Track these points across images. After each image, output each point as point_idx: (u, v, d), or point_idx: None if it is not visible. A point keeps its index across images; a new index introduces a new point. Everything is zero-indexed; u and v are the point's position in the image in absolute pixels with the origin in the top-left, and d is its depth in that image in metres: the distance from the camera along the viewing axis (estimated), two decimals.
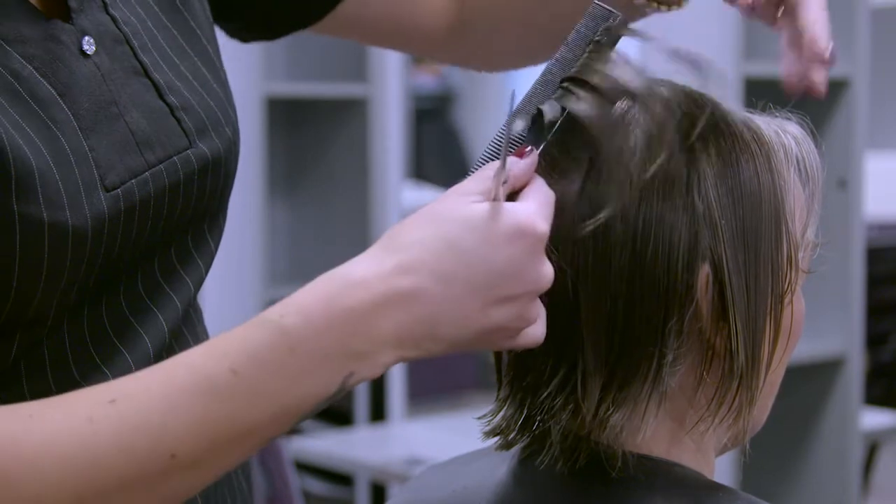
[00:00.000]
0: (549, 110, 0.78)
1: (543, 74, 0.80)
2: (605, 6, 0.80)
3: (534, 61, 1.07)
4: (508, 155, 0.76)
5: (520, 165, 0.76)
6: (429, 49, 1.14)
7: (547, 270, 0.73)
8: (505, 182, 0.74)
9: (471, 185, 0.74)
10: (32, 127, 0.78)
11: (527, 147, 0.77)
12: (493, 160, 0.77)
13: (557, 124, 0.78)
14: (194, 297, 0.91)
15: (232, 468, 0.74)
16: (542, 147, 0.78)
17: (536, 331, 0.74)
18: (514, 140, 0.78)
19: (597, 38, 0.80)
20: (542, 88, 0.80)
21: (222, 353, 0.72)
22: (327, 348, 0.71)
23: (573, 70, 0.80)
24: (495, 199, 0.73)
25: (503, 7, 1.07)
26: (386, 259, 0.72)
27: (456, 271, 0.72)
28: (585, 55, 0.80)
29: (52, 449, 0.69)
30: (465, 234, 0.72)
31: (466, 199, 0.73)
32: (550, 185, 0.78)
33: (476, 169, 0.77)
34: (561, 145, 0.80)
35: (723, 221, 0.78)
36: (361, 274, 0.72)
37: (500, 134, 0.78)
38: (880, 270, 3.65)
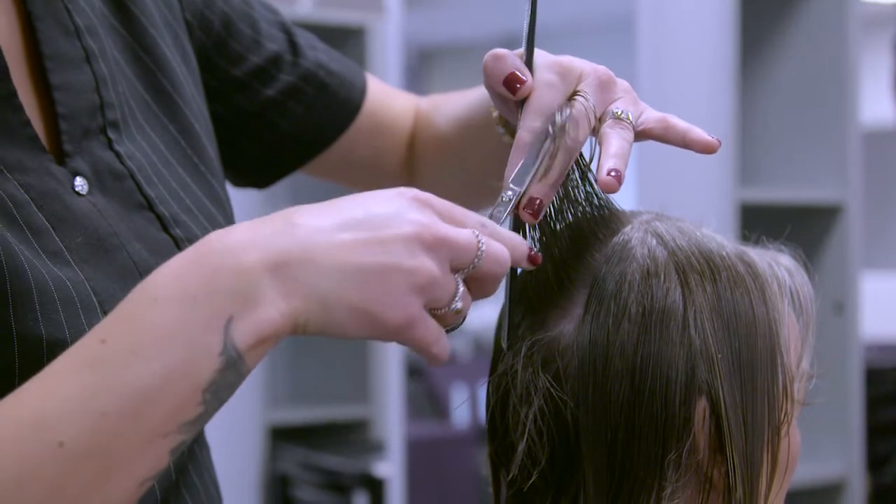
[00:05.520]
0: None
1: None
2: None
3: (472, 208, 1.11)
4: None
5: None
6: None
7: (413, 217, 0.70)
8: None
9: None
10: (28, 253, 0.79)
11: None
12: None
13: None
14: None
15: (150, 470, 0.67)
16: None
17: (458, 305, 0.72)
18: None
19: None
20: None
21: (94, 330, 0.68)
22: (190, 288, 0.67)
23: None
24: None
25: (441, 151, 1.11)
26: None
27: (325, 210, 0.70)
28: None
29: None
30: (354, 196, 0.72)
31: None
32: (550, 320, 0.80)
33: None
34: (559, 282, 0.82)
35: (719, 355, 0.79)
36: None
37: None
38: (880, 391, 3.64)
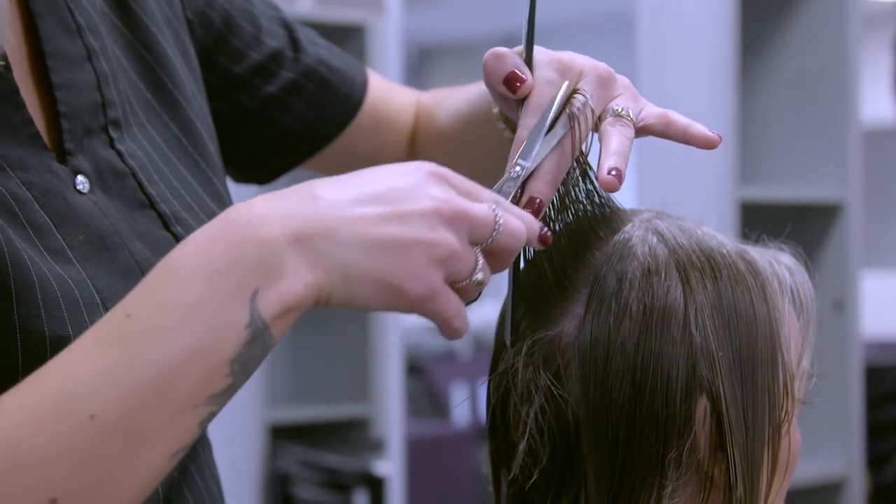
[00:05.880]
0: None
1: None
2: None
3: None
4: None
5: None
6: None
7: (432, 192, 0.71)
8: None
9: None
10: (30, 251, 0.79)
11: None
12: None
13: None
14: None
15: (179, 442, 0.67)
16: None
17: (478, 276, 0.72)
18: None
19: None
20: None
21: (119, 304, 0.68)
22: (213, 263, 0.67)
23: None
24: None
25: (442, 146, 1.11)
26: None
27: (345, 183, 0.71)
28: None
29: None
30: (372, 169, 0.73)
31: None
32: (551, 319, 0.80)
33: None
34: (560, 280, 0.82)
35: (720, 353, 0.79)
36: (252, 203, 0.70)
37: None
38: (880, 390, 3.65)
